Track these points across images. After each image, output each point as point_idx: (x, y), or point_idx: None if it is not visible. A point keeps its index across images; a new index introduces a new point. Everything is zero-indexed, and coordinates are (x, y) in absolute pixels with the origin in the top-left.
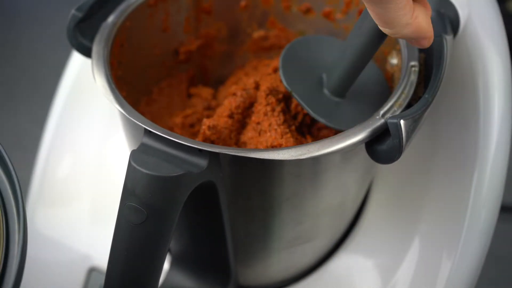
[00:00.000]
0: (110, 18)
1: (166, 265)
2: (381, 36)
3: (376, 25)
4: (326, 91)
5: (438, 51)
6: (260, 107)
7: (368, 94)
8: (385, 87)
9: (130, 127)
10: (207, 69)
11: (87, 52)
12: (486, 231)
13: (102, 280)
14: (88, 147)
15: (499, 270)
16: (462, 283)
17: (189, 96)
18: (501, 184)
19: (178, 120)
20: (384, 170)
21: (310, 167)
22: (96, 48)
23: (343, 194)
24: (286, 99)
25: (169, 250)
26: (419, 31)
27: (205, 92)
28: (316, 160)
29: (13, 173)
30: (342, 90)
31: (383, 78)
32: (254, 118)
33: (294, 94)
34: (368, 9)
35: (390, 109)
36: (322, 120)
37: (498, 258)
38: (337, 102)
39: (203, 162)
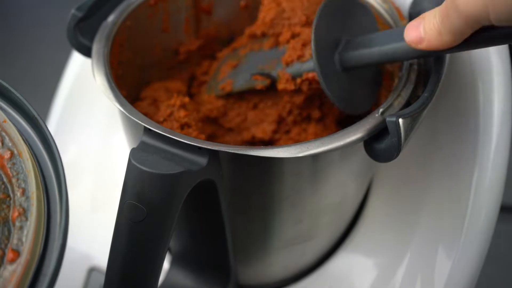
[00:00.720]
0: (110, 18)
1: (166, 264)
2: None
3: None
4: (336, 58)
5: None
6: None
7: (364, 76)
8: (379, 75)
9: (130, 125)
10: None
11: (87, 52)
12: (486, 231)
13: (102, 279)
14: (88, 146)
15: (499, 270)
16: (461, 283)
17: (190, 96)
18: (501, 184)
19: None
20: (383, 169)
21: (309, 165)
22: (96, 48)
23: (343, 192)
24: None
25: (169, 249)
26: None
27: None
28: (315, 158)
29: (56, 153)
30: (354, 68)
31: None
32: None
33: (316, 64)
34: None
35: (389, 107)
36: (332, 98)
37: (498, 258)
38: (340, 73)
39: (202, 160)
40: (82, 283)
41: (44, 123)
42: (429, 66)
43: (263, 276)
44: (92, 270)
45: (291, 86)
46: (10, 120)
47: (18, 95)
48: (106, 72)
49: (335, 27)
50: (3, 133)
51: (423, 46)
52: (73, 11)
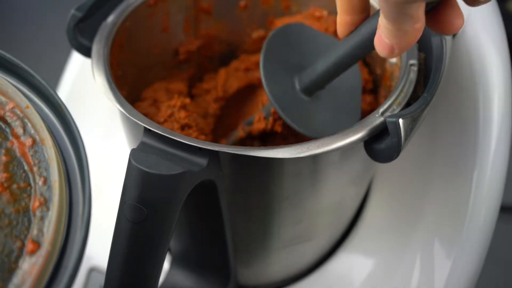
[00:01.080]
0: (110, 18)
1: (166, 265)
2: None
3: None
4: (297, 86)
5: (438, 51)
6: None
7: (336, 98)
8: (357, 99)
9: (130, 126)
10: (207, 69)
11: (87, 52)
12: (486, 231)
13: (102, 280)
14: (88, 146)
15: (499, 271)
16: (461, 283)
17: (191, 96)
18: (501, 184)
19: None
20: (383, 169)
21: (309, 166)
22: (96, 48)
23: (342, 192)
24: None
25: (169, 250)
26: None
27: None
28: (315, 158)
29: (79, 141)
30: (314, 88)
31: (359, 88)
32: None
33: (270, 95)
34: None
35: (389, 108)
36: (293, 125)
37: (497, 259)
38: (304, 100)
39: (202, 161)
40: (82, 283)
41: (68, 111)
42: (428, 66)
43: (263, 276)
44: (92, 270)
45: (261, 125)
46: (33, 107)
47: (41, 80)
48: (106, 73)
49: (289, 57)
50: (25, 120)
51: (398, 52)
52: (73, 11)
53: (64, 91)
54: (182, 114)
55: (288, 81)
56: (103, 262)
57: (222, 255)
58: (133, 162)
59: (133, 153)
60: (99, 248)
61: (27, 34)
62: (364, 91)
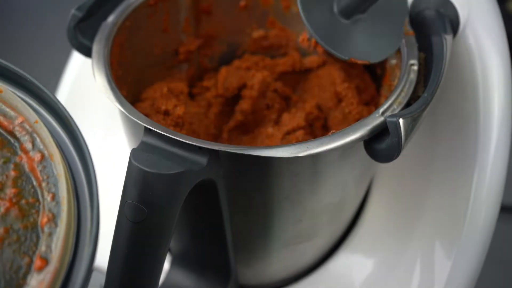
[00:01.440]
0: (110, 18)
1: (166, 265)
2: None
3: None
4: (335, 9)
5: (438, 51)
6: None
7: (377, 22)
8: (399, 26)
9: (130, 125)
10: (207, 69)
11: (87, 52)
12: (486, 231)
13: (102, 280)
14: (88, 146)
15: (499, 271)
16: (461, 283)
17: (192, 96)
18: (501, 184)
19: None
20: (384, 169)
21: (308, 165)
22: (96, 48)
23: (343, 192)
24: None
25: (169, 250)
26: None
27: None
28: (315, 157)
29: (88, 157)
30: (352, 10)
31: (404, 14)
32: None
33: (305, 19)
34: None
35: (390, 108)
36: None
37: (497, 259)
38: (342, 23)
39: (203, 160)
40: None
41: (77, 125)
42: (429, 66)
43: (264, 276)
44: (92, 270)
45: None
46: (42, 121)
47: (50, 95)
48: (107, 73)
49: None
50: (34, 134)
51: None
52: (73, 11)
53: (64, 91)
54: (184, 114)
55: (325, 5)
56: (103, 262)
57: (222, 254)
58: (133, 161)
59: (134, 153)
60: (99, 248)
61: (27, 34)
62: (367, 101)
